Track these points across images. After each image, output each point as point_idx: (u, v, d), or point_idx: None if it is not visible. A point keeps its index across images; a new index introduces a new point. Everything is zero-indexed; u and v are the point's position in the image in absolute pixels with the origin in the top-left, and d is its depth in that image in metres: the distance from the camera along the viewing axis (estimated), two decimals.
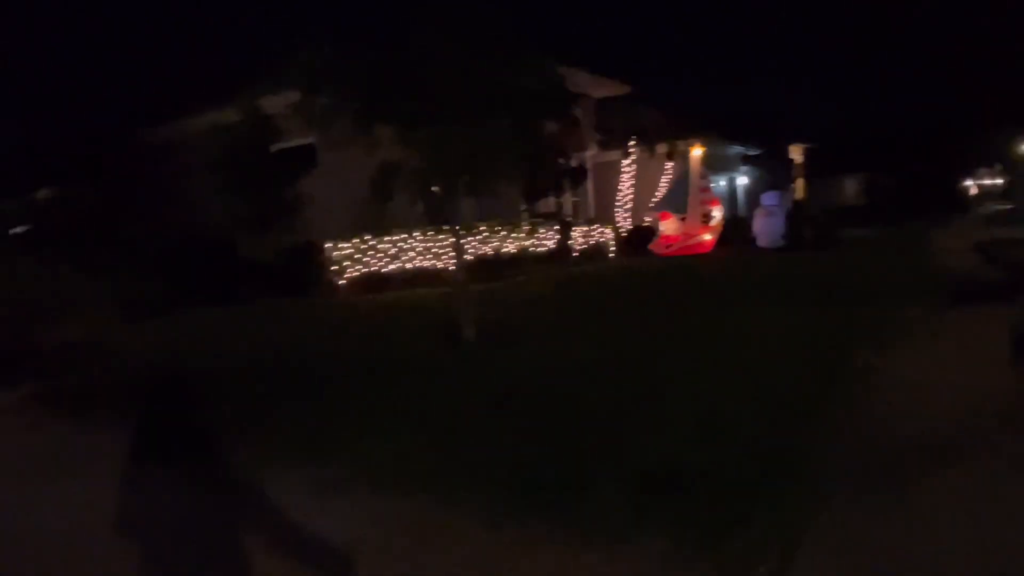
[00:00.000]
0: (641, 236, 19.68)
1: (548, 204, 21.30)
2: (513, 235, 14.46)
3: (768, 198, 18.43)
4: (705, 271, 13.53)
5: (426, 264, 12.44)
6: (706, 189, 18.16)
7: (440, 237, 12.65)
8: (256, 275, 11.23)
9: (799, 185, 41.41)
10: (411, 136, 6.34)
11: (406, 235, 12.10)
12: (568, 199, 23.46)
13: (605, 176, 25.18)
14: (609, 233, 18.33)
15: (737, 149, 31.31)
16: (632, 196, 24.28)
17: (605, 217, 23.70)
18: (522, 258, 14.57)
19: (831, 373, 5.47)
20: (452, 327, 7.03)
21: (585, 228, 17.26)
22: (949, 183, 46.04)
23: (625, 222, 23.66)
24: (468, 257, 13.10)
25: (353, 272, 11.53)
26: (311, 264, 11.37)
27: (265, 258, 11.40)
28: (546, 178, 18.80)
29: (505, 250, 14.23)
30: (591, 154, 23.33)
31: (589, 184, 23.43)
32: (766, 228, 18.02)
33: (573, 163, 20.54)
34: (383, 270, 11.89)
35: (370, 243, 11.75)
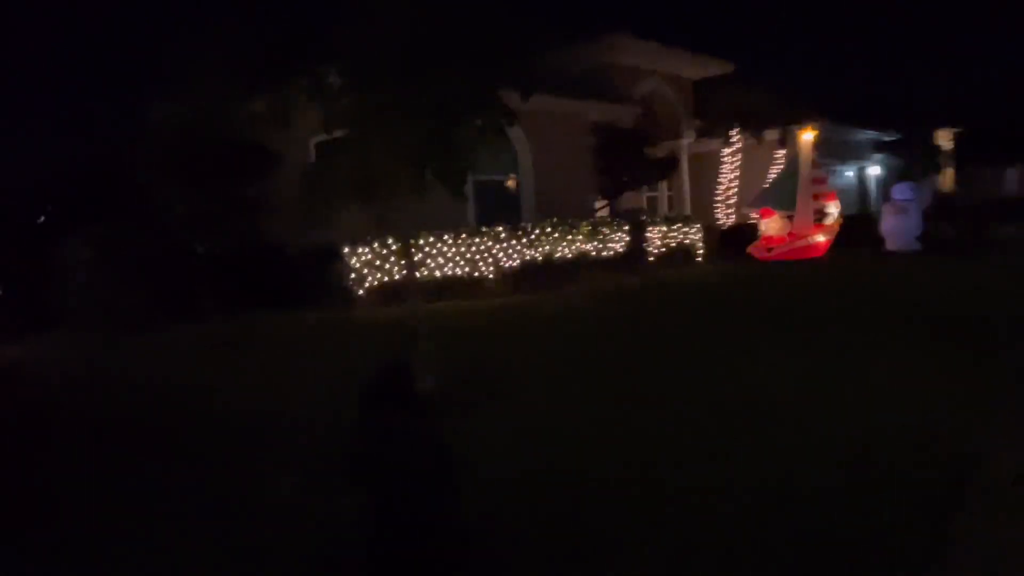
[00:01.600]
0: (738, 236, 16.90)
1: (635, 199, 19.05)
2: (570, 237, 12.40)
3: (899, 191, 15.10)
4: (809, 284, 10.90)
5: (460, 272, 10.72)
6: (820, 180, 15.16)
7: (476, 241, 10.91)
8: (271, 281, 10.02)
9: (947, 175, 35.97)
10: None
11: (434, 239, 10.44)
12: (663, 192, 21.06)
13: (705, 167, 22.42)
14: (696, 233, 15.74)
15: (869, 134, 27.15)
16: (735, 190, 21.38)
17: (701, 214, 21.03)
18: (582, 264, 12.50)
19: None
20: (426, 365, 5.25)
21: (664, 228, 14.81)
22: None
23: (728, 219, 20.82)
24: (510, 263, 11.31)
25: (373, 281, 10.04)
26: (329, 270, 10.00)
27: (287, 258, 10.17)
28: (628, 170, 16.65)
29: (560, 255, 12.22)
30: (687, 142, 20.72)
31: (684, 176, 20.84)
32: (897, 228, 14.75)
33: (660, 153, 18.12)
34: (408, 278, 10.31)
35: (393, 247, 10.20)
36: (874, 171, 27.64)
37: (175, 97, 5.43)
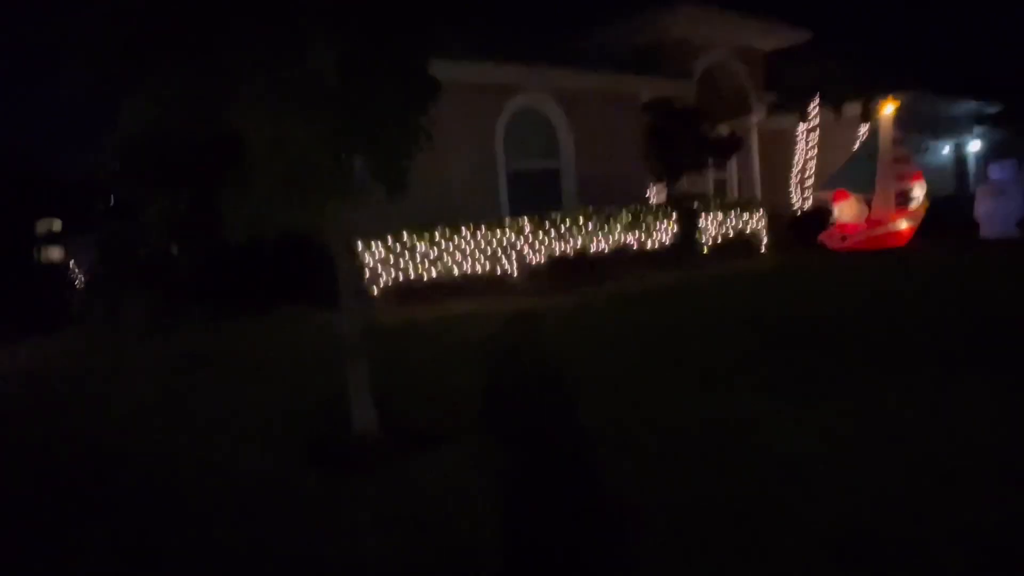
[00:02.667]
0: (812, 223, 15.25)
1: (700, 183, 17.64)
2: (607, 228, 11.30)
3: (997, 170, 13.10)
4: (887, 282, 9.47)
5: (479, 269, 9.91)
6: (903, 159, 13.34)
7: (496, 234, 10.05)
8: (283, 280, 9.55)
9: None
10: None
11: (450, 232, 9.65)
12: (732, 175, 19.49)
13: (780, 146, 20.59)
14: (759, 220, 14.24)
15: (968, 106, 24.28)
16: (813, 170, 19.50)
17: (775, 198, 19.30)
18: (622, 258, 11.40)
19: None
20: (386, 402, 4.48)
21: (720, 215, 13.41)
22: None
23: (805, 203, 19.03)
24: (537, 259, 10.40)
25: (388, 280, 9.40)
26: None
27: (303, 254, 9.69)
28: (685, 151, 15.30)
29: (596, 248, 11.18)
30: (757, 119, 19.02)
31: (754, 157, 19.18)
32: (994, 212, 12.81)
33: (724, 132, 16.60)
34: (426, 276, 9.61)
35: (410, 242, 9.51)
36: (974, 147, 24.75)
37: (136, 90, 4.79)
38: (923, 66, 24.97)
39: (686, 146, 15.36)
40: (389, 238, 9.37)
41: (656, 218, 12.15)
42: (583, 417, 4.39)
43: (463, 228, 9.79)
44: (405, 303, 9.40)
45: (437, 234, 9.59)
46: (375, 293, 9.37)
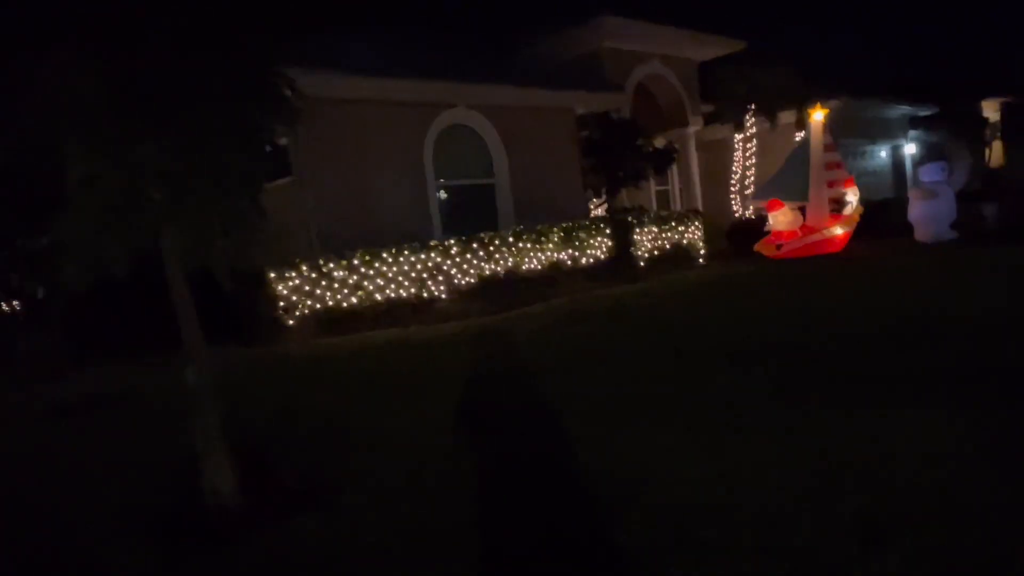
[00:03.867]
0: (746, 232, 15.25)
1: (641, 196, 17.53)
2: (539, 245, 10.97)
3: (928, 173, 13.23)
4: (814, 292, 9.32)
5: (405, 294, 9.46)
6: (835, 165, 13.40)
7: (422, 257, 9.62)
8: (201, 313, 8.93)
9: (995, 149, 33.14)
10: None
11: (370, 258, 9.18)
12: (674, 186, 19.48)
13: (718, 156, 20.72)
14: (695, 231, 14.13)
15: (902, 110, 24.92)
16: (752, 179, 19.64)
17: (715, 208, 19.35)
18: (556, 275, 11.08)
19: None
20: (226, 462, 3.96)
21: (656, 228, 13.24)
22: None
23: (745, 212, 19.13)
24: (466, 280, 10.01)
25: (306, 309, 8.88)
26: (257, 298, 8.88)
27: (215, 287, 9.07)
28: (623, 165, 15.16)
29: (529, 267, 10.83)
30: (694, 130, 19.06)
31: (693, 168, 19.21)
32: (927, 215, 12.90)
33: (661, 143, 16.54)
34: (346, 304, 9.12)
35: (326, 269, 9.01)
36: (910, 150, 25.36)
37: None
38: (857, 73, 25.56)
39: (624, 159, 15.23)
40: (305, 265, 8.87)
41: (590, 233, 11.88)
42: (493, 461, 3.98)
43: (385, 252, 9.32)
44: (324, 333, 8.90)
45: (357, 259, 9.11)
46: (291, 324, 8.83)
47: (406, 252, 9.49)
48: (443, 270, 9.83)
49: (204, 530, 3.66)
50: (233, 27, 3.58)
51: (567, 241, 11.38)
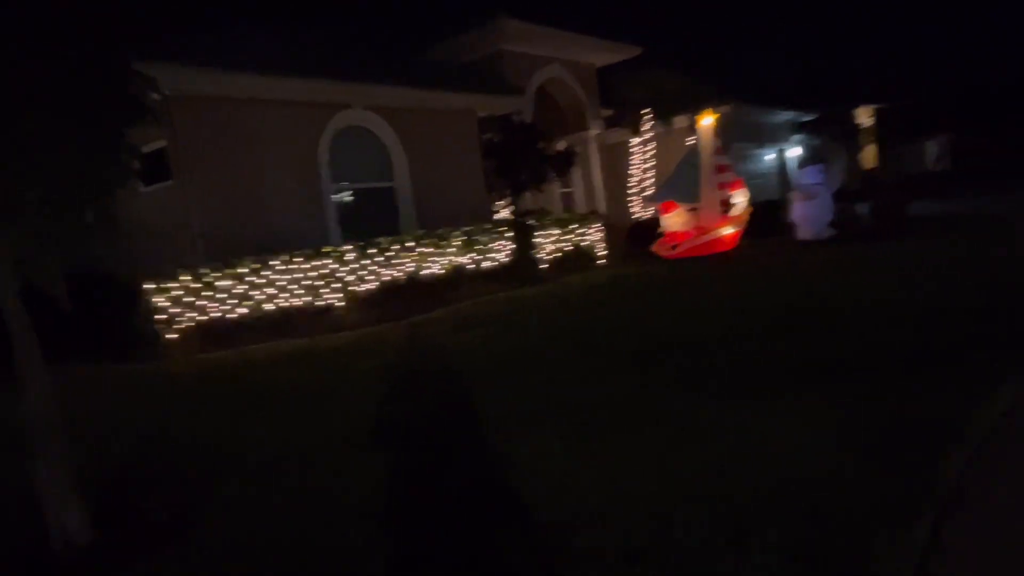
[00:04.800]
0: (644, 233, 15.72)
1: (546, 199, 17.69)
2: (439, 249, 10.82)
3: (808, 175, 14.10)
4: (710, 290, 9.66)
5: (297, 302, 9.07)
6: (724, 168, 14.01)
7: (315, 264, 9.26)
8: (71, 327, 8.19)
9: (869, 153, 35.84)
10: None
11: (259, 265, 8.73)
12: (578, 189, 19.80)
13: (618, 159, 21.28)
14: (596, 233, 14.42)
15: (787, 115, 26.52)
16: (651, 182, 20.31)
17: (619, 210, 19.86)
18: (457, 280, 10.97)
19: None
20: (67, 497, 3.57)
21: (557, 230, 13.41)
22: None
23: (645, 213, 19.74)
24: (364, 287, 9.72)
25: (188, 321, 8.32)
26: (133, 311, 8.23)
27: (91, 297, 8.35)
28: (526, 167, 15.25)
29: (429, 271, 10.67)
30: (595, 133, 19.49)
31: (595, 171, 19.63)
32: (806, 215, 13.73)
33: (562, 146, 16.79)
34: (235, 314, 8.63)
35: (210, 278, 8.48)
36: (794, 153, 27.03)
37: None
38: (746, 79, 26.97)
39: (526, 162, 15.33)
40: (186, 274, 8.31)
41: (492, 237, 11.84)
42: (382, 478, 3.79)
43: (276, 259, 8.88)
44: (209, 346, 8.37)
45: (244, 267, 8.63)
46: (172, 337, 8.25)
47: (299, 259, 9.08)
48: (339, 277, 9.49)
49: (50, 573, 3.31)
50: (72, 25, 3.23)
51: (469, 245, 11.28)
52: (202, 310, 8.34)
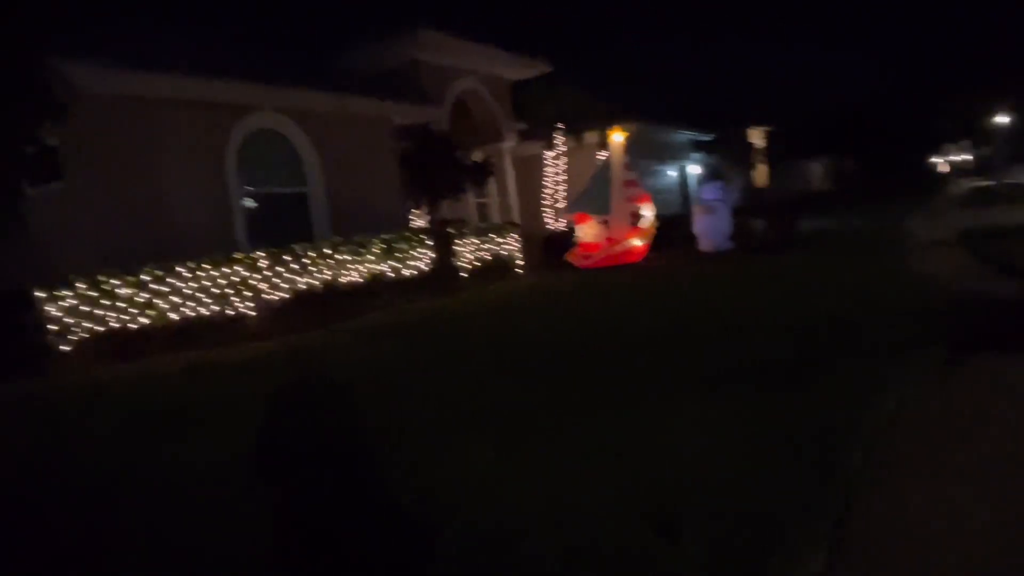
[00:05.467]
0: (559, 244, 16.13)
1: (462, 208, 17.75)
2: (358, 257, 10.67)
3: (708, 191, 14.97)
4: (618, 300, 10.02)
5: (205, 311, 8.67)
6: (632, 183, 14.64)
7: (225, 271, 8.91)
8: None
9: (760, 172, 38.36)
10: None
11: (162, 273, 8.29)
12: (493, 199, 20.00)
13: (531, 171, 21.70)
14: (514, 243, 14.66)
15: (687, 135, 28.01)
16: (563, 194, 20.86)
17: (532, 221, 20.24)
18: (377, 288, 10.85)
19: None
20: None
21: (476, 240, 13.54)
22: (917, 162, 43.26)
23: (557, 224, 20.24)
24: (278, 296, 9.43)
25: (85, 333, 7.76)
26: (21, 323, 7.57)
27: None
28: (442, 177, 15.27)
29: (348, 280, 10.49)
30: (509, 145, 19.78)
31: (509, 182, 19.92)
32: (708, 228, 14.57)
33: (478, 157, 16.95)
34: (136, 325, 8.13)
35: (109, 286, 7.97)
36: (694, 170, 28.55)
37: None
38: (651, 99, 28.23)
39: (443, 171, 15.36)
40: (82, 282, 7.75)
41: (411, 245, 11.78)
42: (281, 502, 3.68)
43: (181, 266, 8.45)
44: (109, 359, 7.84)
45: (146, 274, 8.15)
46: (66, 350, 7.67)
47: (207, 265, 8.68)
48: (251, 284, 9.15)
49: None
50: None
51: (388, 253, 11.17)
52: (100, 320, 7.80)
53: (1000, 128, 23.22)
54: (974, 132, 36.33)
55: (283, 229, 11.68)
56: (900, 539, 2.75)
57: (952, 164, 53.14)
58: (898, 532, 2.81)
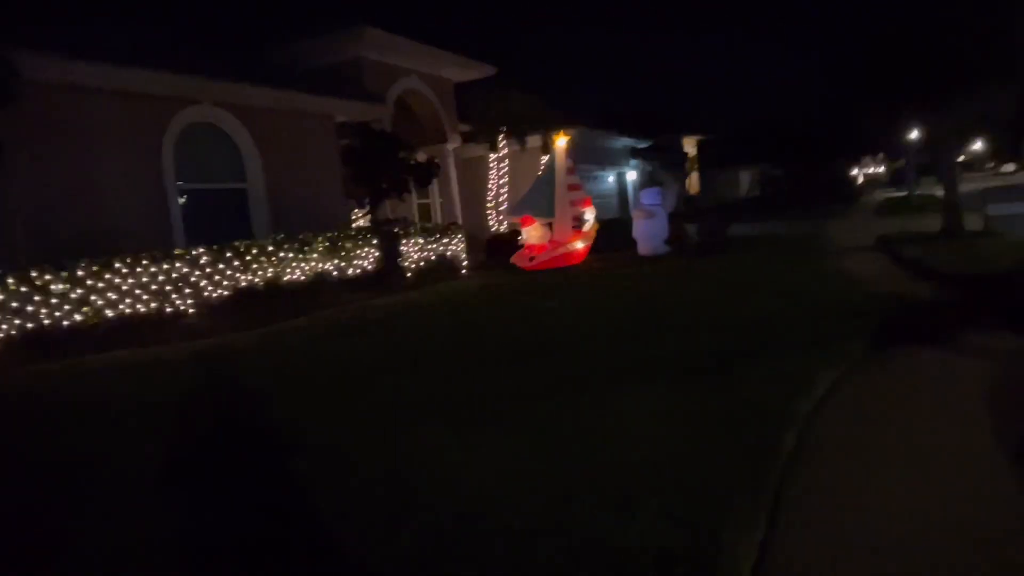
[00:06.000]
0: (503, 245, 16.32)
1: (404, 208, 17.68)
2: (302, 255, 10.55)
3: (647, 196, 15.47)
4: (563, 299, 10.26)
5: (143, 309, 8.40)
6: (575, 187, 14.99)
7: (164, 267, 8.66)
8: None
9: (693, 179, 39.71)
10: None
11: (98, 268, 7.99)
12: (435, 200, 20.00)
13: (474, 173, 21.84)
14: (459, 243, 14.76)
15: (626, 141, 28.77)
16: (505, 196, 21.07)
17: (475, 222, 20.37)
18: (321, 286, 10.74)
19: None
20: None
21: (422, 240, 13.58)
22: (837, 173, 45.71)
23: (501, 226, 20.43)
24: (220, 293, 9.24)
25: (11, 329, 7.39)
26: None
27: None
28: (386, 176, 15.20)
29: (291, 277, 10.36)
30: (453, 147, 19.85)
31: (453, 183, 19.97)
32: (646, 232, 15.06)
33: (422, 158, 16.96)
34: (66, 322, 7.81)
35: (41, 281, 7.63)
36: (632, 176, 29.34)
37: None
38: (591, 105, 28.85)
39: (386, 170, 15.29)
40: (10, 277, 7.39)
41: (357, 244, 11.71)
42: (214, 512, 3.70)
43: (119, 261, 8.15)
44: (39, 357, 7.49)
45: (81, 270, 7.84)
46: None
47: (145, 261, 8.41)
48: (191, 282, 8.92)
49: None
50: None
51: (333, 251, 11.08)
52: (31, 316, 7.45)
53: (911, 143, 24.96)
54: (888, 146, 38.83)
55: (221, 226, 11.42)
56: (832, 507, 3.04)
57: (868, 176, 56.55)
58: (830, 501, 3.10)
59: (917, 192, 28.33)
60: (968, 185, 27.36)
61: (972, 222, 13.39)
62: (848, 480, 3.30)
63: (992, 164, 56.93)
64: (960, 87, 11.31)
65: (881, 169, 58.80)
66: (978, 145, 47.24)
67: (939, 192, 17.39)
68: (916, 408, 4.25)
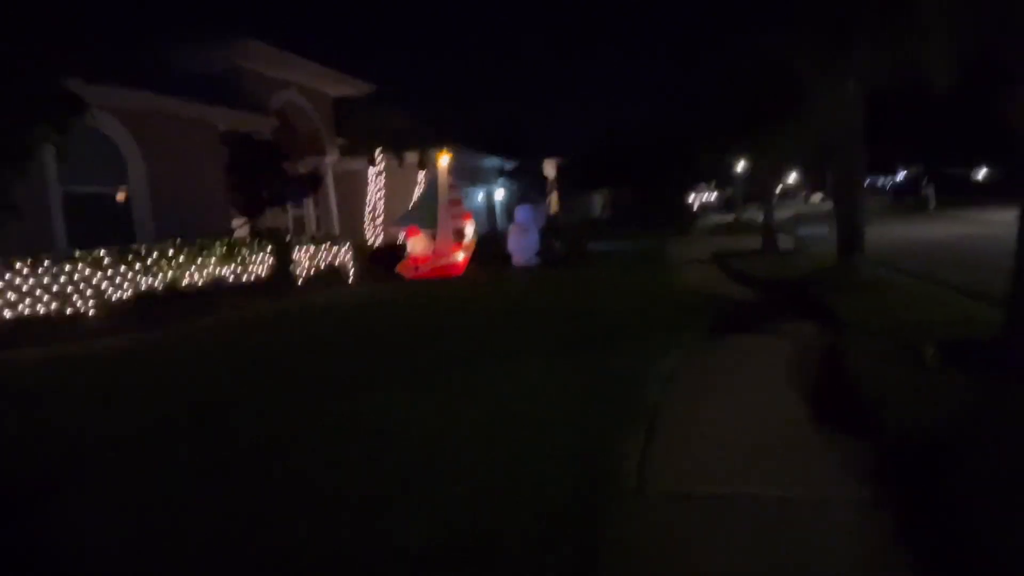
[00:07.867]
0: (387, 256, 17.09)
1: (280, 219, 17.83)
2: (201, 260, 10.79)
3: (521, 213, 17.03)
4: (437, 301, 11.34)
5: (43, 309, 8.37)
6: (457, 202, 16.16)
7: (67, 268, 8.69)
8: None
9: (553, 199, 42.37)
10: None
11: None
12: (310, 211, 20.21)
13: (351, 186, 22.30)
14: (346, 253, 15.37)
15: (494, 161, 30.44)
16: (383, 209, 21.75)
17: (350, 234, 20.83)
18: (218, 291, 11.00)
19: None
20: None
21: (313, 248, 14.09)
22: (677, 197, 50.82)
23: (376, 239, 21.04)
24: (120, 295, 9.35)
25: None
26: None
27: None
28: (268, 186, 15.45)
29: (189, 282, 10.56)
30: (331, 160, 20.26)
31: (330, 195, 20.36)
32: (521, 245, 16.58)
33: (303, 169, 17.35)
34: None
35: None
36: (499, 194, 31.08)
37: None
38: (462, 126, 30.18)
39: (268, 180, 15.55)
40: None
41: (252, 250, 12.04)
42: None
43: (21, 262, 8.09)
44: None
45: None
46: None
47: (47, 262, 8.39)
48: (93, 283, 8.94)
49: None
50: None
51: (229, 257, 11.35)
52: None
53: (738, 173, 28.99)
54: (719, 175, 43.91)
55: (105, 230, 11.28)
56: (688, 426, 4.41)
57: (703, 202, 63.07)
58: (687, 423, 4.47)
59: (744, 216, 32.62)
60: (785, 211, 32.01)
61: (786, 241, 16.25)
62: (698, 413, 4.70)
63: (804, 193, 66.02)
64: (773, 127, 13.81)
65: (715, 196, 65.78)
66: (792, 177, 54.52)
67: (760, 217, 20.57)
68: (741, 369, 5.83)
